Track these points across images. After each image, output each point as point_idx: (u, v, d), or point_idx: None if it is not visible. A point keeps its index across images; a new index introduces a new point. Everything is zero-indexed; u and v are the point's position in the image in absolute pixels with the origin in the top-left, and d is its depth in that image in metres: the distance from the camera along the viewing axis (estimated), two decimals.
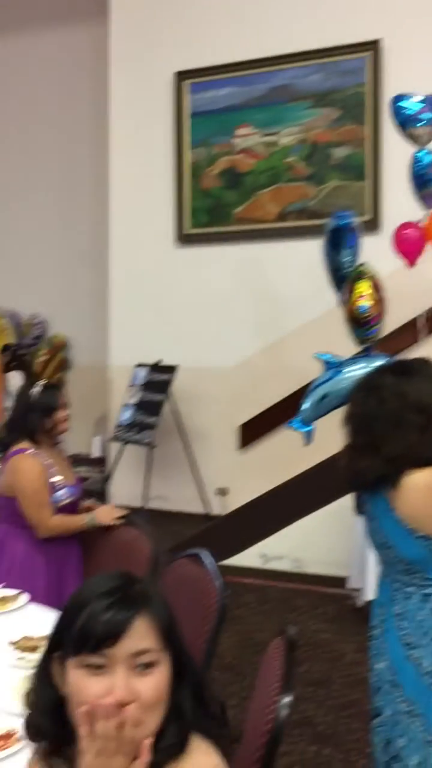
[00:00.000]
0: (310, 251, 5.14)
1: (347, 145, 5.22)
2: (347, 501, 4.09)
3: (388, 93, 4.95)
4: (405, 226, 3.44)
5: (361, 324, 3.02)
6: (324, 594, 4.22)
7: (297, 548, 4.53)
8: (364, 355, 3.14)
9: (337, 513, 4.30)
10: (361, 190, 5.15)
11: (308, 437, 3.45)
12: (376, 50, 5.04)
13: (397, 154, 4.79)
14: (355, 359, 3.13)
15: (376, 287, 3.07)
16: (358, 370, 2.90)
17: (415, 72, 4.75)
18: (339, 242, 3.23)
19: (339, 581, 4.10)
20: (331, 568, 4.28)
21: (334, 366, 3.15)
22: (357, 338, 3.15)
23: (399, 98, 3.32)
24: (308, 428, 3.41)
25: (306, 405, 3.34)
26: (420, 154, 3.38)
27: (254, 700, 1.56)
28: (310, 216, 5.29)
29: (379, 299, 3.05)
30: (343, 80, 5.21)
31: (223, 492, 5.37)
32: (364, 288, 3.01)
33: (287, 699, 1.35)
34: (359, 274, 3.08)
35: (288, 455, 4.83)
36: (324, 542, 4.38)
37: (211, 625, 1.99)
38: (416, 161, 3.38)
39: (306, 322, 5.02)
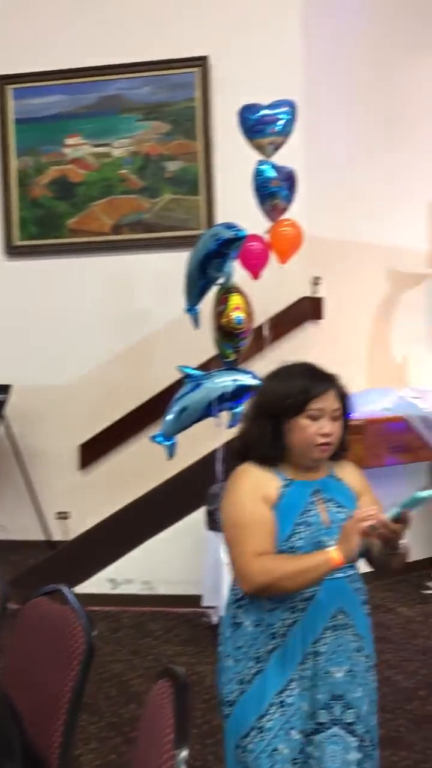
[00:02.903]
0: (149, 263, 5.10)
1: (180, 159, 5.21)
2: (197, 516, 4.06)
3: (217, 109, 5.03)
4: (250, 238, 3.45)
5: (233, 335, 2.97)
6: (178, 615, 4.11)
7: (146, 570, 4.39)
8: (226, 368, 3.09)
9: (186, 530, 4.22)
10: (196, 204, 5.15)
11: (170, 451, 3.35)
12: (205, 66, 5.08)
13: (229, 168, 4.87)
14: (217, 372, 3.07)
15: (247, 301, 3.05)
16: (219, 384, 2.85)
17: (242, 89, 4.82)
18: (224, 253, 3.17)
19: (192, 600, 4.00)
20: (183, 587, 4.18)
21: (195, 379, 3.07)
22: (227, 350, 3.10)
23: (246, 109, 3.32)
24: (170, 442, 3.31)
25: (168, 418, 3.24)
26: (261, 167, 3.40)
27: (139, 753, 1.41)
28: (145, 229, 5.21)
29: (250, 312, 3.03)
30: (173, 94, 5.20)
31: (63, 516, 5.11)
32: (238, 300, 2.98)
33: (183, 754, 1.21)
34: (232, 287, 3.04)
35: (132, 473, 4.69)
36: (174, 561, 4.28)
37: (77, 669, 1.80)
38: (258, 174, 3.40)
39: (146, 335, 4.92)
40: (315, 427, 1.72)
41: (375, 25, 5.13)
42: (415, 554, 4.73)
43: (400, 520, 1.59)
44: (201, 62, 5.08)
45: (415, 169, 5.29)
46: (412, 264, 5.35)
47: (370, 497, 1.83)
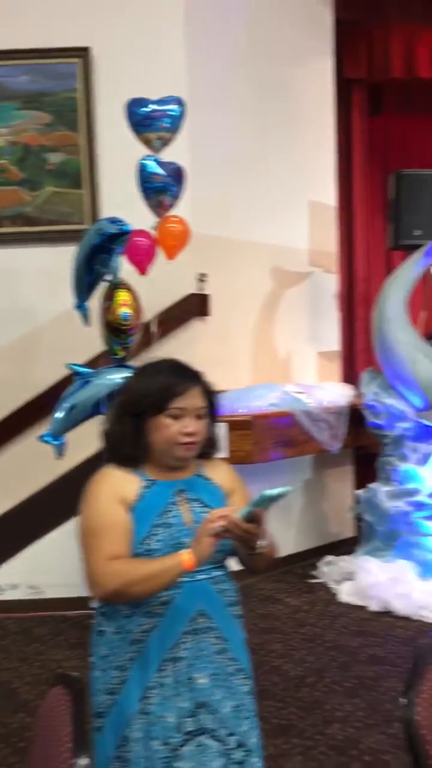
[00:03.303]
0: (32, 258, 4.93)
1: (62, 150, 5.07)
2: None
3: (100, 101, 4.94)
4: (136, 234, 3.41)
5: (121, 332, 2.91)
6: (66, 618, 4.01)
7: (32, 574, 4.26)
8: (115, 365, 3.03)
9: (71, 531, 4.13)
10: (79, 197, 5.03)
11: (59, 450, 3.26)
12: (87, 57, 4.97)
13: (113, 162, 4.79)
14: (106, 369, 3.01)
15: (134, 297, 3.00)
16: (108, 381, 2.79)
17: (126, 82, 4.77)
18: (109, 248, 3.10)
19: (80, 602, 3.92)
20: (71, 590, 4.08)
21: (84, 376, 2.99)
22: (115, 346, 3.03)
23: (134, 103, 3.27)
24: (59, 441, 3.22)
25: (57, 416, 3.15)
26: (145, 163, 3.37)
27: (34, 763, 1.36)
28: (27, 222, 5.03)
29: (137, 308, 2.98)
30: (54, 84, 5.05)
31: None
32: (125, 296, 2.92)
33: (83, 762, 1.18)
34: (120, 282, 2.97)
35: (17, 475, 4.53)
36: (60, 564, 4.17)
37: None
38: (142, 169, 3.36)
39: (31, 331, 4.77)
40: (178, 426, 1.68)
41: (259, 29, 5.20)
42: (301, 545, 4.87)
43: (253, 519, 1.56)
44: (83, 53, 4.96)
45: (298, 170, 5.42)
46: (295, 262, 5.48)
47: (241, 496, 1.78)
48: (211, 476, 1.79)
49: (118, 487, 1.69)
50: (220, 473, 1.81)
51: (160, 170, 3.52)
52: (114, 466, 1.73)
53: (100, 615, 1.73)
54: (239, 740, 1.69)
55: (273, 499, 1.53)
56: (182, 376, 1.72)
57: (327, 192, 5.76)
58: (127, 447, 1.71)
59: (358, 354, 6.80)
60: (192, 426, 1.69)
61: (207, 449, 1.78)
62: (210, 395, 1.75)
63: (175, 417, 1.68)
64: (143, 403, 1.69)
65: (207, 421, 1.74)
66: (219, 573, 1.73)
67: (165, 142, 3.72)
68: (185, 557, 1.57)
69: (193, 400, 1.70)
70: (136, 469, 1.72)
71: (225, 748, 1.66)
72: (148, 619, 1.65)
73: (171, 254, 3.66)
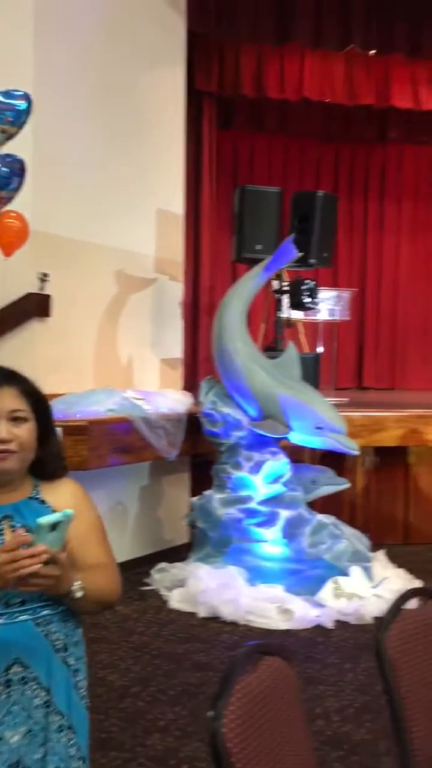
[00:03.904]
0: None
1: None
2: None
3: None
4: None
5: None
6: None
7: None
8: None
9: None
10: None
11: None
12: None
13: None
14: None
15: None
16: None
17: None
18: None
19: None
20: None
21: None
22: None
23: None
24: None
25: None
26: None
27: None
28: None
29: None
30: None
31: None
32: None
33: None
34: None
35: None
36: None
37: None
38: None
39: None
40: None
41: (112, 33, 5.15)
42: (135, 551, 4.85)
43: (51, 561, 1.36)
44: None
45: (146, 176, 5.42)
46: (140, 268, 5.47)
47: (86, 524, 1.55)
48: (49, 499, 1.54)
49: None
50: (61, 496, 1.56)
51: None
52: None
53: None
54: None
55: (52, 526, 1.36)
56: None
57: (175, 200, 5.80)
58: None
59: (200, 362, 6.92)
60: (4, 431, 1.48)
61: (50, 466, 1.56)
62: (35, 399, 1.54)
63: None
64: None
65: (30, 428, 1.51)
66: (49, 612, 1.49)
67: (9, 136, 3.59)
68: None
69: (4, 401, 1.50)
70: None
71: None
72: None
73: (8, 251, 3.53)
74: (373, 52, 6.49)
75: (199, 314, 6.90)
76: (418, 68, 6.79)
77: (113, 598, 1.59)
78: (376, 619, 3.87)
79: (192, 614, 4.10)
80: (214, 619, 4.02)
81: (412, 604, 1.94)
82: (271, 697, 1.58)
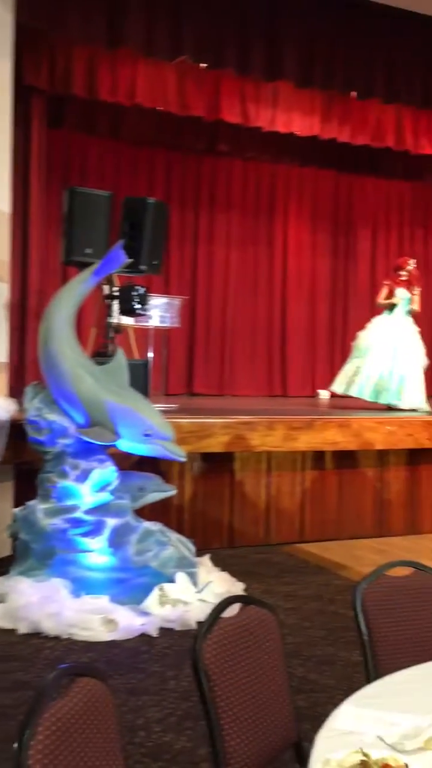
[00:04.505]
0: None
1: None
2: None
3: None
4: None
5: None
6: None
7: None
8: None
9: None
10: None
11: None
12: None
13: None
14: None
15: None
16: None
17: None
18: None
19: None
20: None
21: None
22: None
23: None
24: None
25: None
26: None
27: None
28: None
29: None
30: None
31: None
32: None
33: None
34: None
35: None
36: None
37: None
38: None
39: None
40: None
41: None
42: None
43: None
44: None
45: None
46: None
47: None
48: None
49: None
50: None
51: None
52: None
53: None
54: None
55: None
56: None
57: (1, 198, 5.56)
58: None
59: (28, 366, 6.67)
60: None
61: None
62: None
63: None
64: None
65: None
66: None
67: None
68: None
69: None
70: None
71: None
72: None
73: None
74: (204, 65, 6.59)
75: (26, 317, 6.65)
76: (247, 85, 7.00)
77: None
78: (200, 623, 3.91)
79: (12, 631, 3.92)
80: (36, 635, 3.87)
81: (234, 609, 1.97)
82: (83, 720, 1.52)
